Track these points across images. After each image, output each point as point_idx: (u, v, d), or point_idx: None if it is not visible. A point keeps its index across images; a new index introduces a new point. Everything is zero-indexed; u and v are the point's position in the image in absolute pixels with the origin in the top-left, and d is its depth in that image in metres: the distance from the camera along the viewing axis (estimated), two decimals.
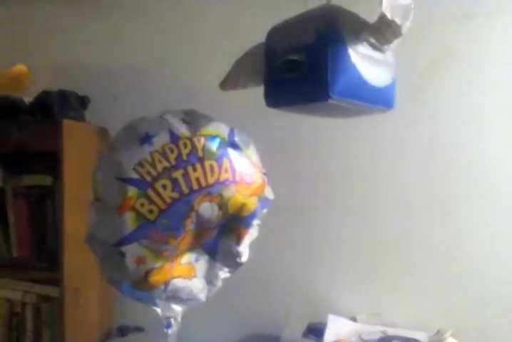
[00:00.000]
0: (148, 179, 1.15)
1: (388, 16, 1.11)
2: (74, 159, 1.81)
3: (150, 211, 1.15)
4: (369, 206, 1.92)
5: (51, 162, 1.82)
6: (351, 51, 1.20)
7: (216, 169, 1.21)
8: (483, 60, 1.85)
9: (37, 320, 1.87)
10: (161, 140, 1.18)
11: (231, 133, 1.31)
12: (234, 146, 1.28)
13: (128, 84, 2.04)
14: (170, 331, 1.36)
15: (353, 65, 1.20)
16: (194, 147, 1.19)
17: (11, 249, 1.88)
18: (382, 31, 1.19)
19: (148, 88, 2.04)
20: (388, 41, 1.22)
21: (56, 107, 1.84)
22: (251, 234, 1.37)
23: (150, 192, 1.15)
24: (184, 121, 1.24)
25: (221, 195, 1.21)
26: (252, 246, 1.99)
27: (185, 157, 1.18)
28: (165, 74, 2.04)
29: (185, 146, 1.19)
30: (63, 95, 1.87)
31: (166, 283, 1.23)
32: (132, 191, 1.14)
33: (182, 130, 1.21)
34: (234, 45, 1.94)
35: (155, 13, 2.06)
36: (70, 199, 1.80)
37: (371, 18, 1.22)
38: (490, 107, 1.85)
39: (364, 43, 1.22)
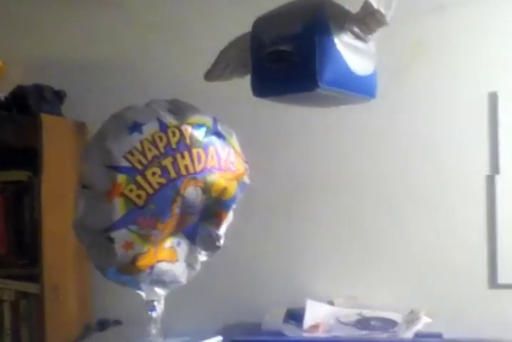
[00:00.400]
0: (139, 167, 1.19)
1: (375, 5, 1.17)
2: (52, 153, 1.80)
3: (139, 196, 1.19)
4: (348, 196, 1.99)
5: (28, 157, 1.81)
6: (337, 41, 1.25)
7: (203, 156, 1.26)
8: (458, 51, 1.94)
9: (15, 318, 1.85)
10: (151, 128, 1.22)
11: (214, 122, 1.36)
12: (219, 135, 1.33)
13: (103, 77, 2.03)
14: (154, 314, 1.41)
15: (339, 55, 1.25)
16: (182, 135, 1.24)
17: None
18: (366, 21, 1.25)
19: (124, 81, 2.04)
20: (371, 31, 1.27)
21: (32, 102, 1.82)
22: (228, 218, 1.43)
23: (139, 178, 1.19)
24: (169, 110, 1.29)
25: (205, 180, 1.27)
26: (233, 234, 2.04)
27: (174, 145, 1.22)
28: (141, 67, 2.05)
29: (174, 134, 1.23)
30: (39, 90, 1.85)
31: (151, 267, 1.27)
32: (121, 178, 1.17)
33: (170, 118, 1.26)
34: (215, 39, 1.99)
35: (131, 5, 2.06)
36: (49, 195, 1.79)
37: (355, 9, 1.29)
38: (465, 96, 1.94)
39: (349, 33, 1.28)
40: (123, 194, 1.18)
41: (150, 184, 1.20)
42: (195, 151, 1.25)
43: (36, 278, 1.79)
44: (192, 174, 1.24)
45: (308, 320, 1.84)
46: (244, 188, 1.42)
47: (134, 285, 1.31)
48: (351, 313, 1.89)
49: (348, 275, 2.00)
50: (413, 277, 1.96)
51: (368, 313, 1.89)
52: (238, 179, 1.37)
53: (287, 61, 1.27)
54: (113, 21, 2.06)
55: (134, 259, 1.22)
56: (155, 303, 1.40)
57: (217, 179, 1.30)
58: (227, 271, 2.01)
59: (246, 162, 1.45)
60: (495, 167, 1.93)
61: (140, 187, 1.19)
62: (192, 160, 1.24)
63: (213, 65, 1.42)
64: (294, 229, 2.02)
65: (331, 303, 1.95)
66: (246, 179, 1.43)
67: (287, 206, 2.02)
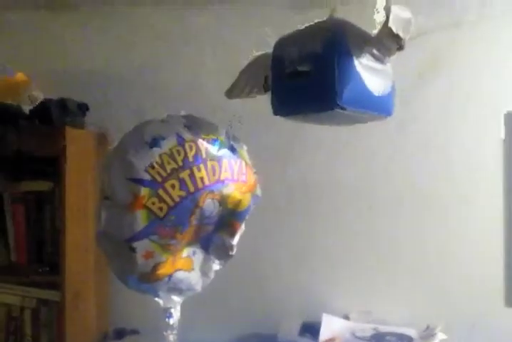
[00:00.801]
0: (159, 179, 1.23)
1: (394, 29, 1.19)
2: (75, 164, 1.84)
3: (160, 208, 1.23)
4: (363, 208, 2.01)
5: (50, 167, 1.85)
6: (356, 62, 1.27)
7: (217, 169, 1.32)
8: (472, 68, 1.96)
9: (36, 325, 1.88)
10: (169, 143, 1.26)
11: (227, 136, 1.42)
12: (231, 148, 1.39)
13: (124, 90, 2.08)
14: (171, 321, 1.45)
15: (358, 75, 1.27)
16: (198, 149, 1.29)
17: (9, 254, 1.89)
18: (385, 44, 1.27)
19: (144, 94, 2.09)
20: (390, 53, 1.30)
21: (55, 114, 1.86)
22: (241, 229, 1.48)
23: (161, 192, 1.23)
24: (185, 125, 1.34)
25: (221, 192, 1.32)
26: (249, 247, 2.06)
27: (191, 159, 1.27)
28: (161, 80, 2.09)
29: (191, 148, 1.28)
30: (63, 103, 1.89)
31: (170, 276, 1.31)
32: (144, 190, 1.21)
33: (187, 133, 1.31)
34: (228, 54, 2.03)
35: (151, 20, 2.10)
36: (71, 204, 1.83)
37: (371, 31, 1.31)
38: (480, 114, 1.96)
39: (367, 55, 1.30)
40: (145, 206, 1.22)
41: (170, 196, 1.24)
42: (209, 164, 1.30)
43: (56, 286, 1.83)
44: (207, 186, 1.29)
45: (324, 334, 1.85)
46: (256, 200, 1.47)
47: (152, 293, 1.36)
48: (366, 328, 1.91)
49: (363, 290, 2.01)
50: (430, 293, 1.97)
51: (383, 328, 1.91)
52: (251, 191, 1.42)
53: (306, 81, 1.30)
54: (135, 34, 2.11)
55: (154, 268, 1.27)
56: (172, 310, 1.44)
57: (233, 191, 1.35)
58: (243, 283, 2.04)
59: (255, 173, 1.49)
60: (510, 184, 1.93)
61: (161, 199, 1.23)
62: (207, 173, 1.29)
63: (233, 83, 1.45)
64: (309, 242, 2.04)
65: (346, 317, 1.96)
66: (258, 192, 1.48)
67: (302, 220, 2.04)
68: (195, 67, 2.09)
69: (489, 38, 1.95)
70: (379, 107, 1.36)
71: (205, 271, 1.42)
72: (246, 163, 1.41)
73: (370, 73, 1.32)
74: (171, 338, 1.44)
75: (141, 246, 1.23)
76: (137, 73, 2.10)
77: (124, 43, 2.11)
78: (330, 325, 1.89)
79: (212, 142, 1.33)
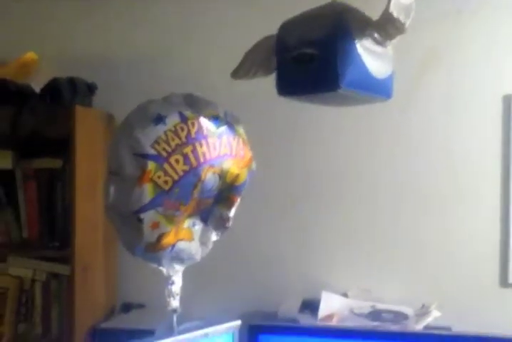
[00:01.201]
0: (164, 154, 1.30)
1: (395, 14, 1.23)
2: (84, 142, 1.89)
3: (166, 182, 1.30)
4: (363, 191, 2.07)
5: (61, 145, 1.90)
6: (358, 46, 1.31)
7: (217, 145, 1.38)
8: (472, 55, 2.00)
9: (46, 297, 1.95)
10: (173, 120, 1.33)
11: (225, 114, 1.47)
12: (230, 125, 1.45)
13: (131, 72, 2.13)
14: (174, 288, 1.51)
15: (360, 59, 1.32)
16: (200, 126, 1.35)
17: (21, 230, 1.96)
18: (386, 28, 1.31)
19: (149, 76, 2.14)
20: (391, 37, 1.34)
21: (66, 94, 1.91)
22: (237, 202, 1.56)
23: (166, 166, 1.30)
24: (186, 104, 1.40)
25: (221, 167, 1.39)
26: (252, 228, 2.13)
27: (193, 135, 1.34)
28: (166, 63, 2.14)
29: (193, 125, 1.35)
30: (72, 82, 1.94)
31: (173, 246, 1.39)
32: (151, 165, 1.28)
33: (188, 111, 1.37)
34: (232, 38, 2.07)
35: (161, 3, 2.14)
36: (81, 181, 1.89)
37: (373, 16, 1.35)
38: (479, 98, 2.00)
39: (369, 39, 1.35)
40: (151, 180, 1.29)
41: (175, 170, 1.31)
42: (210, 140, 1.37)
43: (66, 260, 1.90)
44: (209, 161, 1.36)
45: (323, 311, 1.91)
46: (252, 174, 1.53)
47: (156, 262, 1.43)
48: (364, 306, 1.96)
49: (362, 269, 2.07)
50: (426, 273, 2.03)
51: (381, 306, 1.96)
52: (248, 166, 1.50)
53: (310, 63, 1.35)
54: (142, 19, 2.16)
55: (159, 238, 1.34)
56: (174, 278, 1.50)
57: (231, 166, 1.42)
58: (246, 263, 2.11)
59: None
60: (507, 170, 1.98)
61: (166, 173, 1.30)
62: (208, 148, 1.36)
63: (239, 64, 1.50)
64: (309, 223, 2.10)
65: (345, 295, 2.02)
66: (253, 166, 1.54)
67: (303, 201, 2.10)
68: (202, 49, 2.13)
69: (489, 27, 1.99)
70: (379, 90, 1.40)
71: (203, 242, 1.49)
72: (243, 140, 1.47)
73: (371, 56, 1.36)
74: (174, 303, 1.50)
75: (148, 217, 1.30)
76: (144, 57, 2.14)
77: (132, 26, 2.16)
78: (329, 302, 1.95)
79: (213, 119, 1.40)
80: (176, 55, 2.15)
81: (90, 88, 2.01)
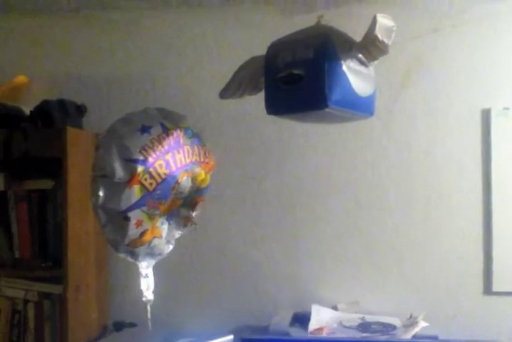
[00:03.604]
0: (150, 160, 1.47)
1: (379, 37, 1.30)
2: (75, 163, 1.92)
3: (150, 184, 1.48)
4: (350, 204, 2.12)
5: (52, 167, 1.93)
6: (343, 66, 1.39)
7: (191, 152, 1.59)
8: (452, 70, 2.08)
9: (39, 317, 1.95)
10: (156, 130, 1.52)
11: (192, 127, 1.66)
12: (197, 135, 1.64)
13: (121, 93, 2.17)
14: (148, 280, 1.66)
15: (345, 78, 1.39)
16: (178, 136, 1.55)
17: (13, 250, 1.97)
18: (369, 49, 1.39)
19: (139, 97, 2.18)
20: (374, 58, 1.41)
21: (56, 116, 1.95)
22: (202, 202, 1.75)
23: (151, 170, 1.48)
24: (162, 116, 1.59)
25: (193, 171, 1.59)
26: (241, 241, 2.18)
27: (172, 144, 1.53)
28: (157, 84, 2.19)
29: (172, 135, 1.54)
30: (62, 104, 1.98)
31: (149, 242, 1.56)
32: (139, 169, 1.45)
33: (168, 123, 1.56)
34: (223, 57, 2.13)
35: (147, 25, 2.20)
36: (73, 202, 1.92)
37: (356, 37, 1.42)
38: (459, 112, 2.08)
39: (353, 59, 1.42)
40: (139, 182, 1.46)
41: (158, 174, 1.50)
42: (185, 148, 1.57)
43: (59, 279, 1.91)
44: (184, 166, 1.56)
45: (313, 324, 1.94)
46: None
47: (134, 257, 1.59)
48: (353, 318, 2.01)
49: (351, 282, 2.12)
50: (413, 284, 2.09)
51: (370, 317, 2.01)
52: (211, 171, 1.68)
53: (298, 83, 1.41)
54: (131, 39, 2.21)
55: (141, 234, 1.51)
56: (148, 272, 1.65)
57: (200, 171, 1.62)
58: (236, 278, 2.15)
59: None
60: (488, 179, 2.05)
61: (152, 176, 1.48)
62: (184, 155, 1.56)
63: (227, 84, 1.56)
64: (299, 237, 2.14)
65: (335, 308, 2.06)
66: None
67: (293, 214, 2.15)
68: (191, 71, 2.19)
69: (468, 43, 2.08)
70: (363, 108, 1.48)
71: (169, 239, 1.66)
72: (208, 149, 1.67)
73: (356, 77, 1.43)
74: (148, 295, 1.66)
75: (134, 215, 1.47)
76: (133, 77, 2.19)
77: (122, 46, 2.21)
78: (319, 315, 1.99)
79: (186, 130, 1.59)
80: (166, 75, 2.20)
81: (80, 110, 2.05)
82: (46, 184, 1.97)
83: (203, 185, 1.65)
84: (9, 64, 2.15)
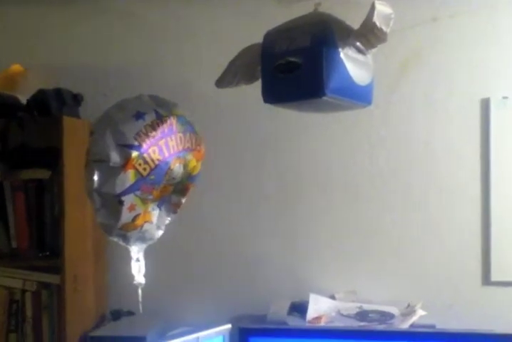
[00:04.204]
0: (144, 145, 1.50)
1: (378, 24, 1.29)
2: (72, 153, 1.91)
3: (144, 169, 1.51)
4: (349, 194, 2.11)
5: (48, 156, 1.93)
6: (341, 54, 1.37)
7: (183, 139, 1.62)
8: (451, 59, 2.06)
9: (36, 307, 1.96)
10: (151, 116, 1.55)
11: (185, 114, 1.68)
12: (190, 123, 1.67)
13: (117, 82, 2.16)
14: (139, 264, 1.69)
15: (343, 67, 1.37)
16: (171, 123, 1.58)
17: (10, 240, 1.97)
18: (368, 37, 1.37)
19: (136, 86, 2.15)
20: (372, 46, 1.40)
21: (53, 105, 1.94)
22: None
23: (145, 155, 1.51)
24: (155, 103, 1.61)
25: (185, 158, 1.62)
26: (239, 231, 2.18)
27: (166, 130, 1.56)
28: (153, 73, 2.18)
29: (166, 122, 1.57)
30: (59, 93, 1.97)
31: (141, 226, 1.59)
32: (134, 154, 1.48)
33: (161, 110, 1.59)
34: (221, 47, 2.12)
35: (145, 15, 2.18)
36: (69, 191, 1.91)
37: (353, 25, 1.41)
38: (459, 102, 2.06)
39: (351, 47, 1.40)
40: (134, 167, 1.49)
41: (152, 160, 1.53)
42: (178, 135, 1.60)
43: (56, 269, 1.91)
44: (176, 152, 1.59)
45: (311, 313, 1.95)
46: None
47: (126, 241, 1.62)
48: (351, 307, 2.01)
49: (349, 271, 2.11)
50: (411, 274, 2.08)
51: (367, 306, 2.01)
52: (202, 159, 1.72)
53: (296, 71, 1.40)
54: (129, 29, 2.19)
55: (134, 218, 1.55)
56: (139, 256, 1.68)
57: (192, 158, 1.65)
58: (234, 267, 2.15)
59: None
60: (487, 169, 2.04)
61: (145, 162, 1.51)
62: (177, 142, 1.59)
63: (223, 73, 1.55)
64: (296, 226, 2.14)
65: (332, 297, 2.07)
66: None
67: (291, 204, 2.14)
68: (189, 61, 2.17)
69: (466, 32, 2.05)
70: (361, 97, 1.46)
71: (159, 225, 1.69)
72: (200, 137, 1.70)
73: (354, 64, 1.42)
74: (139, 278, 1.68)
75: (128, 199, 1.51)
76: (131, 66, 2.18)
77: (119, 35, 2.19)
78: (317, 304, 1.99)
79: (180, 117, 1.62)
80: (164, 64, 2.18)
81: (77, 99, 2.04)
82: (43, 174, 1.97)
83: (194, 172, 1.69)
84: (5, 53, 2.13)
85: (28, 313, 1.97)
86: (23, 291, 1.97)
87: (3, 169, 1.96)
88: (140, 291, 1.68)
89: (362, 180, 2.11)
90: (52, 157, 1.91)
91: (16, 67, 2.07)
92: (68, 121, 1.92)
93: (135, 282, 1.67)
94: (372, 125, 2.10)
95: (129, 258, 1.65)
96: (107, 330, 2.04)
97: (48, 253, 1.94)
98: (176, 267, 2.17)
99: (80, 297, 1.98)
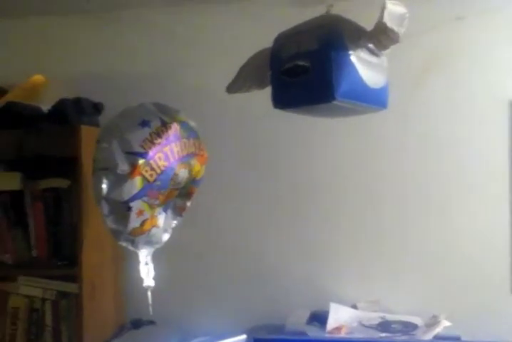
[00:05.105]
0: (150, 152, 1.54)
1: (388, 24, 1.25)
2: (90, 162, 1.91)
3: (151, 175, 1.55)
4: (368, 200, 2.07)
5: (67, 165, 1.93)
6: (352, 56, 1.34)
7: (187, 145, 1.65)
8: (474, 60, 2.00)
9: (56, 315, 1.96)
10: (156, 124, 1.58)
11: (188, 120, 1.71)
12: (193, 129, 1.70)
13: (137, 90, 2.14)
14: (149, 266, 1.71)
15: (354, 69, 1.34)
16: (175, 129, 1.61)
17: (30, 249, 1.98)
18: (380, 38, 1.33)
19: (155, 94, 2.16)
20: (385, 47, 1.36)
21: (72, 114, 1.95)
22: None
23: (151, 162, 1.54)
24: (159, 110, 1.64)
25: (189, 163, 1.66)
26: (258, 239, 2.14)
27: (171, 137, 1.60)
28: (173, 80, 2.18)
29: (170, 128, 1.60)
30: (78, 102, 1.98)
31: (149, 231, 1.63)
32: (140, 161, 1.52)
33: (165, 117, 1.62)
34: (235, 53, 2.10)
35: (161, 24, 2.18)
36: (88, 201, 1.90)
37: (368, 26, 1.37)
38: (484, 103, 2.00)
39: (363, 49, 1.37)
40: (140, 174, 1.53)
41: (158, 166, 1.56)
42: (183, 141, 1.63)
43: (74, 278, 1.91)
44: (181, 158, 1.63)
45: (331, 323, 1.90)
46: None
47: (135, 245, 1.65)
48: (373, 317, 1.95)
49: (371, 280, 2.07)
50: (437, 282, 2.02)
51: (390, 317, 1.95)
52: (205, 163, 1.74)
53: (304, 75, 1.37)
54: (148, 38, 2.19)
55: (142, 223, 1.58)
56: (148, 259, 1.71)
57: (196, 163, 1.69)
58: (253, 275, 2.12)
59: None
60: None
61: (152, 168, 1.55)
62: (181, 148, 1.63)
63: (234, 79, 1.54)
64: (317, 234, 2.10)
65: (354, 306, 2.01)
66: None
67: (311, 211, 2.10)
68: (206, 67, 2.16)
69: (491, 31, 1.99)
70: (374, 100, 1.43)
71: (166, 228, 1.72)
72: (201, 142, 1.73)
73: (366, 67, 1.38)
74: (148, 281, 1.71)
75: (136, 205, 1.54)
76: (150, 75, 2.18)
77: (137, 44, 2.20)
78: (337, 314, 1.94)
79: (183, 124, 1.65)
80: (182, 72, 2.18)
81: (97, 108, 2.05)
82: (62, 183, 1.98)
83: (198, 176, 1.72)
84: (27, 64, 2.17)
85: (48, 321, 1.97)
86: (43, 300, 1.97)
87: (23, 178, 1.97)
88: (149, 294, 1.70)
89: (382, 185, 2.06)
90: (70, 166, 1.92)
91: (38, 77, 2.10)
92: (85, 130, 1.92)
93: (144, 285, 1.69)
94: (390, 128, 2.05)
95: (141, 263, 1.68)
96: (126, 339, 2.03)
97: (65, 262, 1.94)
98: (194, 276, 2.16)
99: (98, 306, 1.98)
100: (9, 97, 2.00)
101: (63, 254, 1.97)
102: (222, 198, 2.13)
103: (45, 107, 2.03)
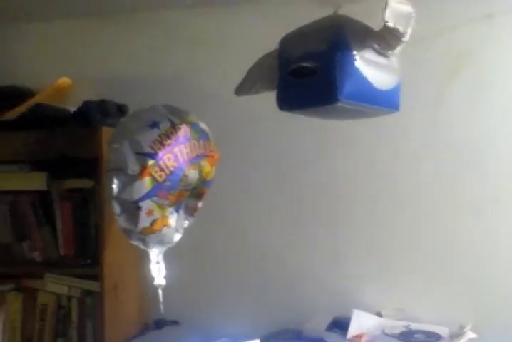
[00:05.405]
0: (160, 153, 1.58)
1: (391, 24, 1.20)
2: None
3: (160, 176, 1.59)
4: (394, 205, 2.00)
5: (92, 166, 1.97)
6: (357, 57, 1.29)
7: (197, 146, 1.68)
8: (505, 60, 1.91)
9: (81, 313, 2.00)
10: (165, 125, 1.62)
11: (199, 122, 1.75)
12: (204, 130, 1.74)
13: (160, 92, 2.16)
14: (160, 265, 1.76)
15: (359, 71, 1.30)
16: (185, 130, 1.65)
17: (58, 248, 2.03)
18: (385, 38, 1.28)
19: (179, 96, 2.16)
20: (391, 47, 1.31)
21: (96, 116, 1.97)
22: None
23: (161, 162, 1.58)
24: (169, 112, 1.68)
25: (199, 164, 1.69)
26: (280, 244, 2.11)
27: (180, 138, 1.63)
28: (196, 82, 2.17)
29: (179, 130, 1.63)
30: (102, 104, 2.01)
31: (160, 230, 1.67)
32: (150, 162, 1.57)
33: (175, 118, 1.66)
34: (256, 53, 2.07)
35: (184, 27, 2.18)
36: None
37: (377, 26, 1.32)
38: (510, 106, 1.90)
39: (370, 49, 1.32)
40: (150, 174, 1.57)
41: (167, 166, 1.60)
42: (192, 142, 1.66)
43: (97, 277, 1.94)
44: (191, 159, 1.66)
45: (352, 330, 1.85)
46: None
47: (146, 245, 1.70)
48: (397, 325, 1.89)
49: (397, 287, 2.00)
50: (465, 291, 1.93)
51: (415, 326, 1.88)
52: (216, 164, 1.77)
53: (310, 77, 1.33)
54: (172, 40, 2.19)
55: (152, 223, 1.63)
56: (160, 258, 1.75)
57: (206, 164, 1.71)
58: (275, 280, 2.09)
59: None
60: None
61: (161, 169, 1.59)
62: (191, 149, 1.66)
63: (242, 81, 1.52)
64: (339, 238, 2.05)
65: (379, 314, 1.95)
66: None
67: (334, 217, 2.05)
68: (230, 68, 2.13)
69: None
70: (383, 102, 1.37)
71: (178, 228, 1.76)
72: (213, 143, 1.75)
73: (373, 68, 1.33)
74: (160, 280, 1.75)
75: (145, 205, 1.59)
76: (174, 78, 2.18)
77: (162, 48, 2.20)
78: (360, 321, 1.89)
79: (193, 125, 1.68)
80: (206, 73, 2.17)
81: (121, 110, 2.07)
82: (86, 183, 2.01)
83: (208, 177, 1.74)
84: (54, 67, 2.22)
85: (74, 318, 2.01)
86: (69, 297, 2.02)
87: (49, 178, 2.02)
88: (160, 292, 1.74)
89: (409, 190, 1.99)
90: (94, 167, 1.95)
91: (64, 79, 2.14)
92: (107, 131, 1.94)
93: (155, 283, 1.73)
94: (418, 131, 1.97)
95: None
96: (148, 338, 2.05)
97: (89, 261, 1.98)
98: (217, 279, 2.15)
99: (120, 305, 2.00)
100: (37, 99, 2.05)
101: (87, 253, 2.00)
102: (247, 204, 2.12)
103: (72, 108, 2.07)
